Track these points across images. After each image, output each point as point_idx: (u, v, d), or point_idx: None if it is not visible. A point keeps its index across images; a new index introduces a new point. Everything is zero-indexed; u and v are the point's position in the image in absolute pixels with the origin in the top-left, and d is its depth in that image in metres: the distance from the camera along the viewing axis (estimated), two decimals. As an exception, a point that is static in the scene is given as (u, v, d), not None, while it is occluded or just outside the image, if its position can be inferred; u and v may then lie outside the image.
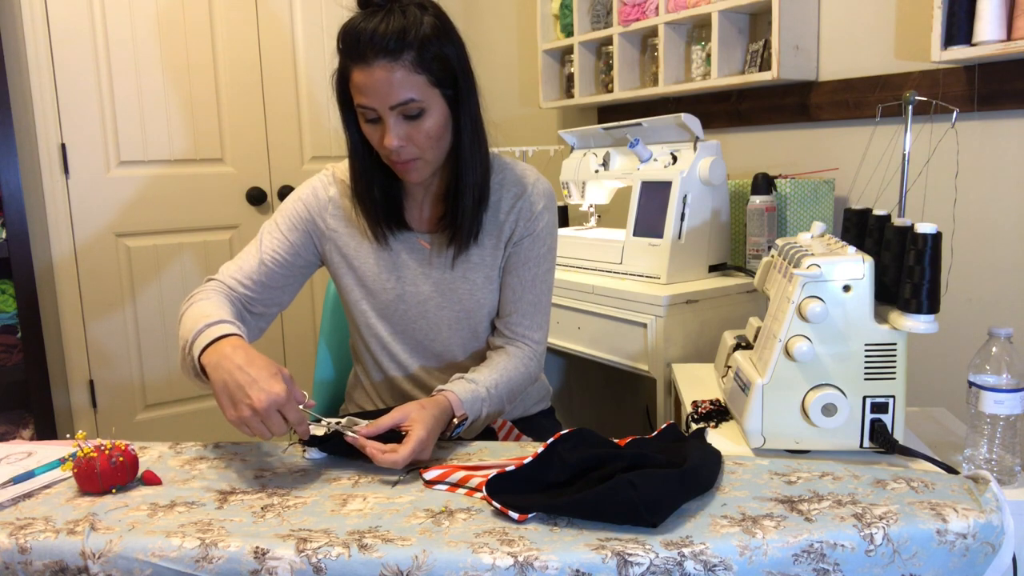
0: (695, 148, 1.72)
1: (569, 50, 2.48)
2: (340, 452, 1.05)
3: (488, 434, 1.19)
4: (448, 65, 1.12)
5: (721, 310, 1.69)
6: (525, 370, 1.25)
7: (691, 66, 2.13)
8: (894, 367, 1.00)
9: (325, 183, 1.30)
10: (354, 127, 1.19)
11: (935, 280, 0.98)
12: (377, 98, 1.09)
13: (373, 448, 1.00)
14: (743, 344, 1.22)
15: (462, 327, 1.29)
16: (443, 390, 1.14)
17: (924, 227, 0.98)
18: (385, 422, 1.04)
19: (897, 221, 1.05)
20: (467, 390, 1.15)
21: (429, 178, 1.23)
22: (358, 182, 1.24)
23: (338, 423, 1.07)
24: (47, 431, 2.14)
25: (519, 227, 1.26)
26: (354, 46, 1.08)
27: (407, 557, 0.78)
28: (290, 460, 1.06)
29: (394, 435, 1.04)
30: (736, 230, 1.86)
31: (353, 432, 1.04)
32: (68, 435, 1.34)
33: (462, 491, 0.94)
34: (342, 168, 1.31)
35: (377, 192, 1.23)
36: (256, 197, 2.58)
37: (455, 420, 1.11)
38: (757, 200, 1.74)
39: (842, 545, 0.80)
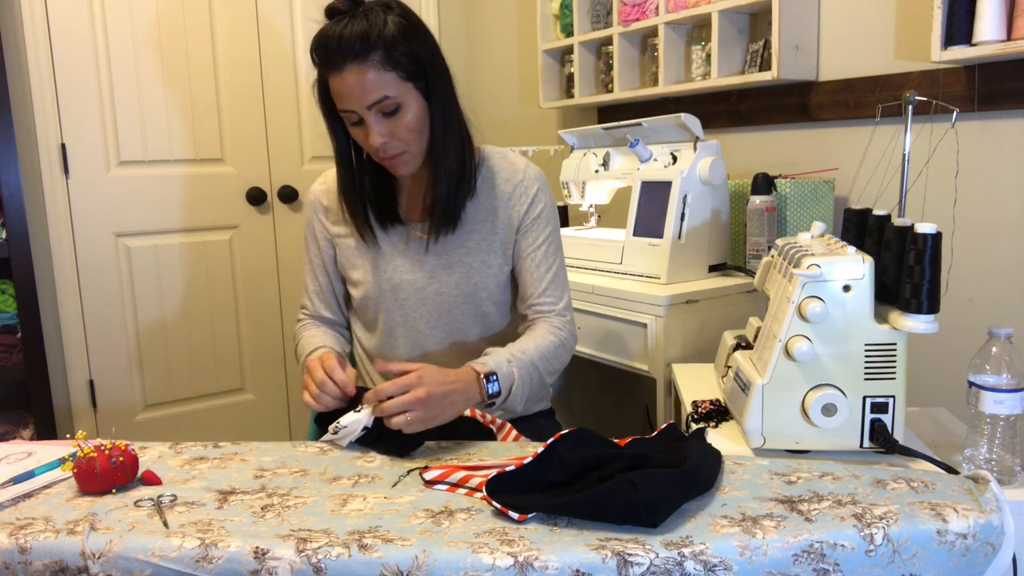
0: (695, 148, 1.72)
1: (569, 50, 2.47)
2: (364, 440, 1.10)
3: (487, 434, 1.20)
4: (417, 59, 1.18)
5: (721, 310, 1.69)
6: (555, 338, 1.28)
7: (691, 66, 2.13)
8: (894, 367, 1.00)
9: (318, 194, 1.40)
10: (340, 131, 1.26)
11: (935, 280, 0.98)
12: (353, 101, 1.16)
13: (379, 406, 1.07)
14: (743, 344, 1.22)
15: (463, 311, 1.33)
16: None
17: (924, 227, 0.98)
18: (395, 381, 1.08)
19: (897, 221, 1.05)
20: (487, 357, 1.19)
21: (419, 169, 1.29)
22: (345, 183, 1.31)
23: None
24: (47, 431, 2.14)
25: (516, 213, 1.32)
26: (324, 55, 1.16)
27: (407, 557, 0.78)
28: (290, 460, 1.06)
29: (406, 439, 1.06)
30: (736, 230, 1.86)
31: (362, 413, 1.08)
32: (68, 435, 1.34)
33: (462, 491, 0.94)
34: (334, 173, 1.37)
35: (368, 190, 1.30)
36: (256, 197, 2.58)
37: (480, 374, 1.14)
38: (757, 200, 1.74)
39: (842, 545, 0.80)
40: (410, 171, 1.26)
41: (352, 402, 1.13)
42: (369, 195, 1.30)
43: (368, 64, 1.13)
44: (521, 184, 1.32)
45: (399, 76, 1.16)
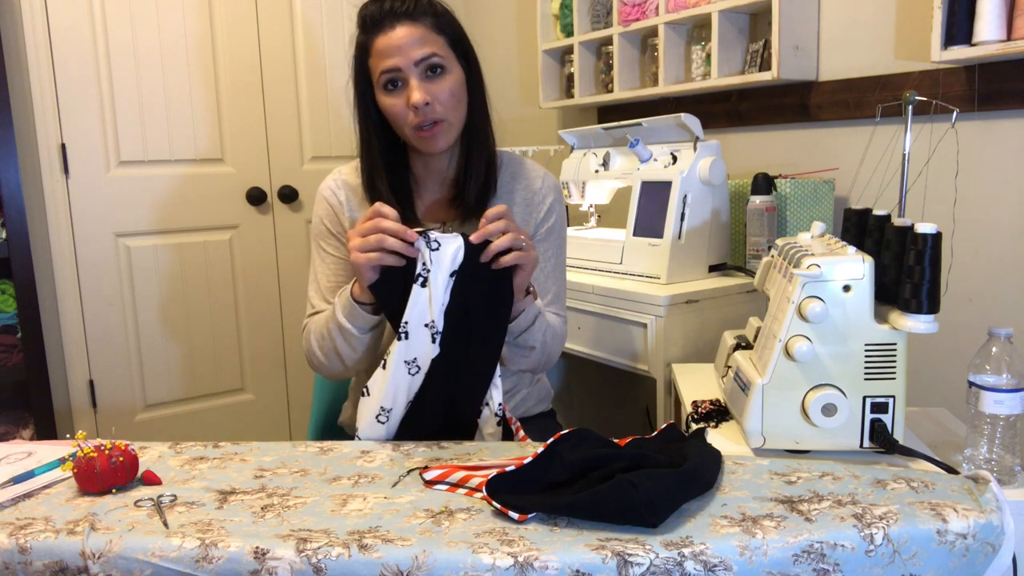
0: (695, 148, 1.72)
1: (569, 50, 2.47)
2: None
3: (502, 433, 1.19)
4: (461, 38, 1.23)
5: (721, 310, 1.69)
6: (559, 328, 1.30)
7: (691, 66, 2.13)
8: (894, 367, 1.00)
9: (333, 189, 1.35)
10: (372, 108, 1.24)
11: (935, 280, 0.98)
12: (401, 55, 1.17)
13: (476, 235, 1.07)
14: (743, 344, 1.22)
15: None
16: None
17: (924, 227, 0.98)
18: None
19: (897, 221, 1.05)
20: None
21: (444, 158, 1.29)
22: (370, 163, 1.28)
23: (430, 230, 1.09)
24: (47, 431, 2.14)
25: (532, 222, 1.32)
26: (375, 18, 1.18)
27: (407, 557, 0.78)
28: (290, 460, 1.06)
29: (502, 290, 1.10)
30: (736, 230, 1.86)
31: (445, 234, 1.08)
32: (68, 435, 1.34)
33: (462, 491, 0.94)
34: (347, 170, 1.35)
35: (387, 180, 1.29)
36: (256, 197, 2.58)
37: (531, 289, 1.18)
38: (757, 200, 1.74)
39: (842, 545, 0.80)
40: (446, 144, 1.24)
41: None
42: (387, 184, 1.29)
43: (419, 23, 1.17)
44: (539, 192, 1.33)
45: (446, 41, 1.20)
